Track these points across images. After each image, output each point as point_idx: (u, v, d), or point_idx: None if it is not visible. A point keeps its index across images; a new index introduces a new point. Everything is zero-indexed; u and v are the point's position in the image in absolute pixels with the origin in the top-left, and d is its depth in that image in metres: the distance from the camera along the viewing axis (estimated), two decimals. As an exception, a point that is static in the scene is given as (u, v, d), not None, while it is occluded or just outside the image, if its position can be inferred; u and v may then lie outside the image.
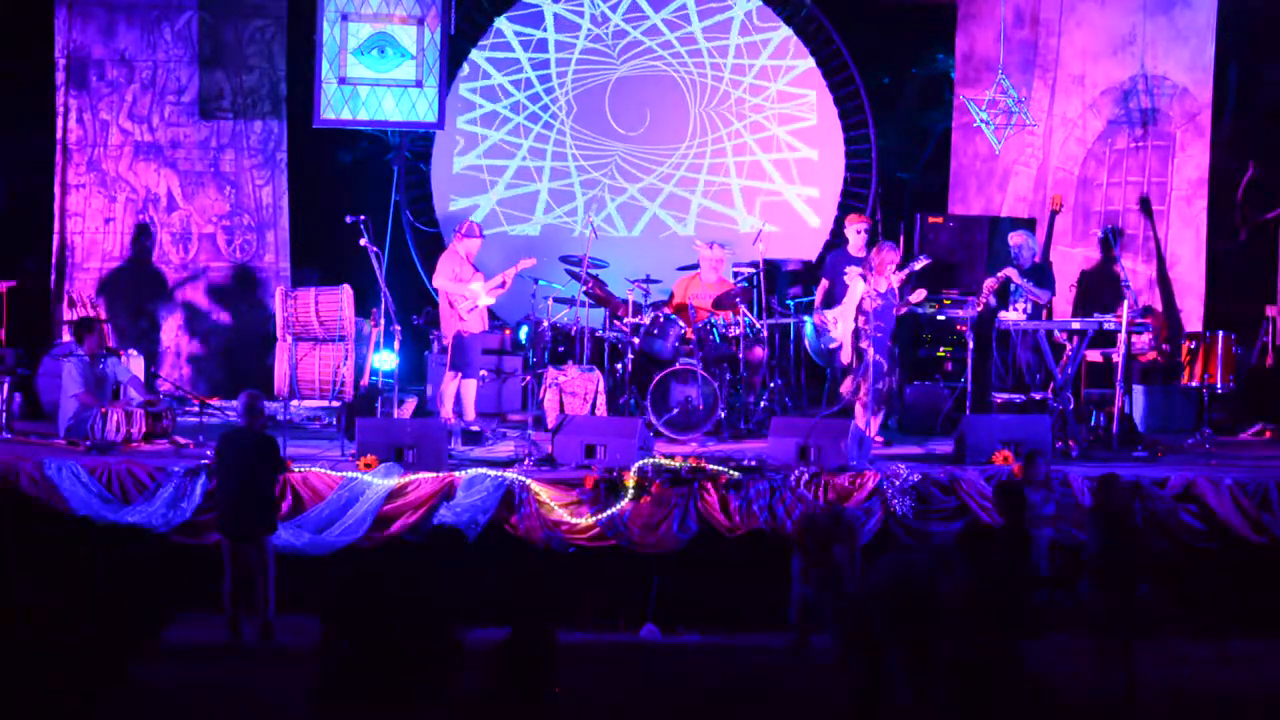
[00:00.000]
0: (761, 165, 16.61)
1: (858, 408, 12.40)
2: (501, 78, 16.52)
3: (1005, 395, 13.20)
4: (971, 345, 13.10)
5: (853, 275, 12.75)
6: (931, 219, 14.98)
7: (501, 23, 16.48)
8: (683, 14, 16.57)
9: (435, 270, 13.33)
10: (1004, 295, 13.22)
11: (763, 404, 13.30)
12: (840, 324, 12.72)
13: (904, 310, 12.74)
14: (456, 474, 11.08)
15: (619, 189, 16.55)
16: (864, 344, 12.38)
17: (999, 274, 13.17)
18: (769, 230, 14.57)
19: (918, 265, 12.66)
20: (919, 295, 12.69)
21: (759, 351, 13.24)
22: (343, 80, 14.66)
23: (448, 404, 13.03)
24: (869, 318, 12.38)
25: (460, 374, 13.01)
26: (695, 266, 13.93)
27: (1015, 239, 13.40)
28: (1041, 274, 13.33)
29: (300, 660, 10.06)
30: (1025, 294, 13.06)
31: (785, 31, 16.59)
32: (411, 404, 13.41)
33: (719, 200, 16.60)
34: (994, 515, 10.86)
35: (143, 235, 15.14)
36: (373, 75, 14.70)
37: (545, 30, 16.51)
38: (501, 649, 6.48)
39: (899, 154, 17.24)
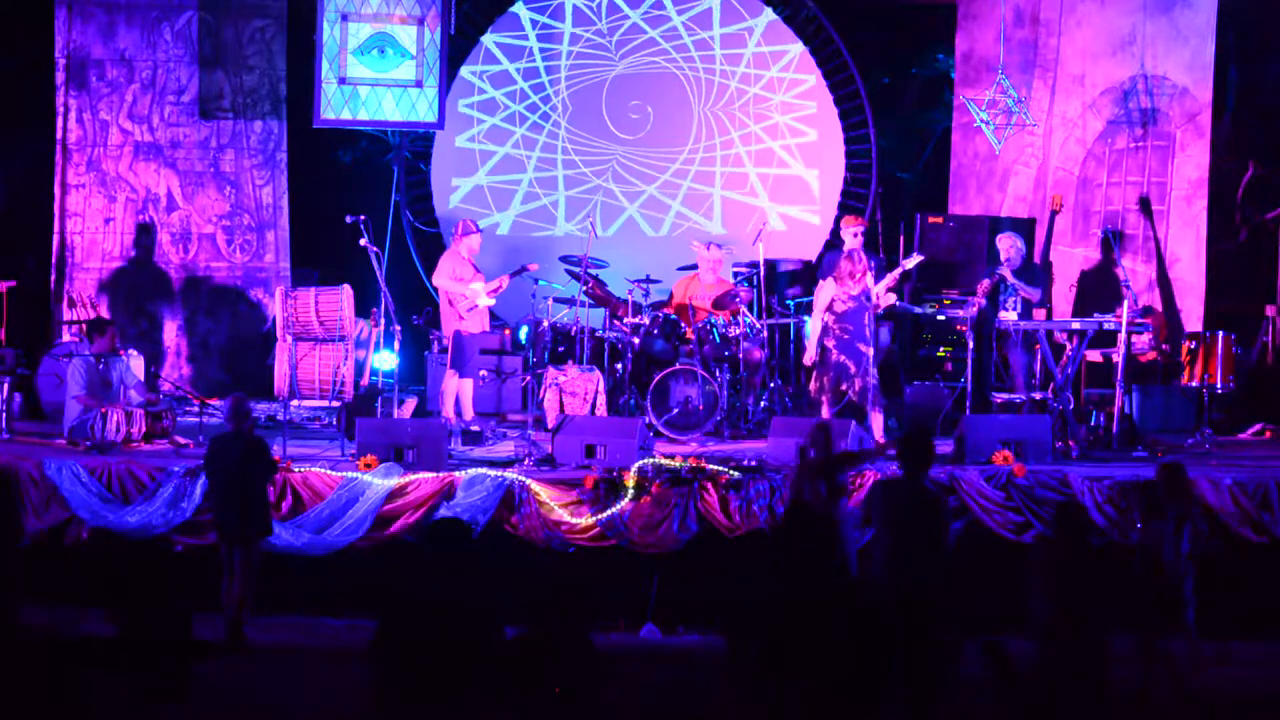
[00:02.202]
0: (760, 165, 16.61)
1: (823, 406, 12.41)
2: (490, 86, 16.53)
3: (1005, 395, 13.21)
4: (971, 345, 13.10)
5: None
6: (931, 219, 14.99)
7: (490, 37, 16.48)
8: (683, 10, 16.58)
9: (435, 269, 13.34)
10: (993, 297, 13.24)
11: (763, 404, 13.31)
12: (810, 324, 12.66)
13: (880, 310, 12.66)
14: (456, 474, 11.07)
15: (625, 194, 16.54)
16: (829, 342, 12.32)
17: (994, 274, 13.19)
18: (774, 223, 14.57)
19: (910, 262, 12.62)
20: (889, 299, 12.59)
21: (758, 352, 13.24)
22: (343, 80, 14.66)
23: (448, 404, 13.05)
24: (837, 318, 12.31)
25: (458, 373, 13.03)
26: (694, 267, 13.94)
27: (1003, 241, 13.43)
28: (1032, 273, 13.36)
29: (300, 660, 10.08)
30: (1018, 292, 13.09)
31: (785, 32, 16.58)
32: (411, 404, 13.41)
33: (714, 202, 16.59)
34: (993, 517, 10.89)
35: (143, 235, 15.14)
36: (373, 75, 14.70)
37: (538, 27, 16.52)
38: (530, 648, 6.51)
39: (899, 154, 17.24)
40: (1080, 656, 7.66)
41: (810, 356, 12.45)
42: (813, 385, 12.55)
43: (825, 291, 12.39)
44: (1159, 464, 9.93)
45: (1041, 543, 10.30)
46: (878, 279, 12.53)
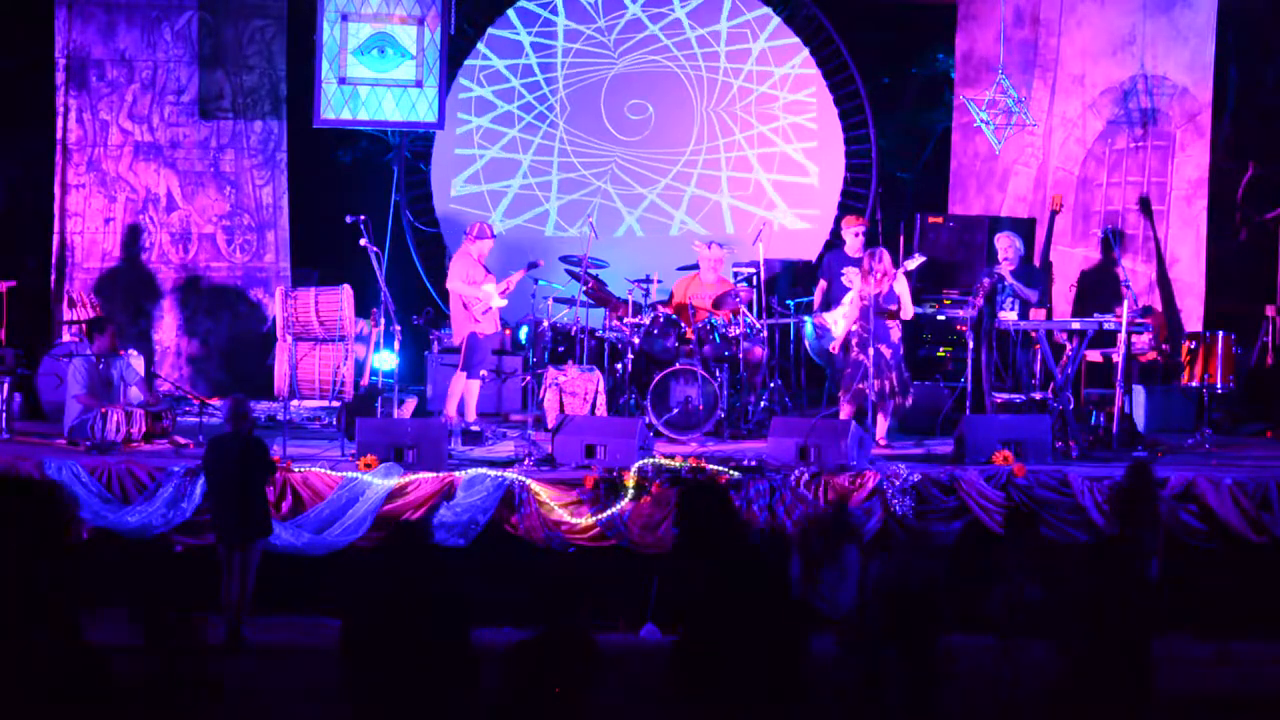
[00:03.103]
0: (761, 165, 16.60)
1: (842, 404, 12.41)
2: (489, 85, 16.53)
3: (1005, 395, 13.20)
4: (971, 345, 13.10)
5: (851, 276, 12.75)
6: (931, 219, 14.99)
7: (490, 36, 16.48)
8: (685, 12, 16.58)
9: (448, 273, 13.34)
10: (991, 297, 13.25)
11: (763, 404, 13.30)
12: (841, 324, 12.69)
13: (910, 318, 12.68)
14: (456, 474, 11.07)
15: (624, 195, 16.53)
16: (853, 341, 12.37)
17: (993, 274, 13.19)
18: (778, 214, 14.55)
19: (911, 264, 12.63)
20: (907, 293, 12.61)
21: (759, 351, 13.24)
22: (343, 80, 14.66)
23: (452, 403, 13.04)
24: (860, 316, 12.35)
25: (468, 374, 13.04)
26: (695, 266, 13.94)
27: (1001, 241, 13.45)
28: (1030, 274, 13.37)
29: (300, 660, 10.08)
30: (1015, 292, 13.10)
31: (785, 32, 16.58)
32: (411, 404, 13.42)
33: (714, 203, 16.59)
34: (993, 518, 10.88)
35: (143, 235, 15.14)
36: (373, 75, 14.70)
37: (538, 24, 16.52)
38: (531, 650, 6.50)
39: (899, 154, 17.24)
40: (1098, 661, 7.64)
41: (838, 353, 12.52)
42: (842, 386, 12.58)
43: (853, 289, 12.43)
44: (1128, 464, 9.96)
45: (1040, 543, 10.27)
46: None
